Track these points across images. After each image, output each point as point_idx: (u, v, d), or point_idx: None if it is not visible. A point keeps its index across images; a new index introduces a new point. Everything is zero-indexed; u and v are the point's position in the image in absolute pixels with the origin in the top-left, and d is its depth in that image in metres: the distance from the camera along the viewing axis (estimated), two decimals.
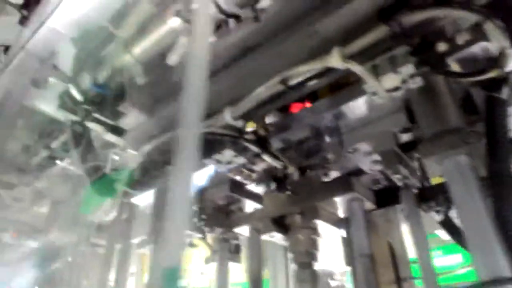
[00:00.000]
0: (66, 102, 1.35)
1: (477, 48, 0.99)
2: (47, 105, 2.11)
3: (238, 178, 1.62)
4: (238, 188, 1.68)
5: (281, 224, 1.40)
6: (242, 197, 1.69)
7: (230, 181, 1.66)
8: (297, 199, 1.40)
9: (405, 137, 1.31)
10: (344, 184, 1.35)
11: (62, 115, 1.54)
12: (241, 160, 1.33)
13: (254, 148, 1.22)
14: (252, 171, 1.57)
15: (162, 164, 1.37)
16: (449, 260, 6.85)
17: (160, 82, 1.24)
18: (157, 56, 1.15)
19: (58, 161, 2.67)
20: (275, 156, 1.30)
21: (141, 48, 1.13)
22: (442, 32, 0.90)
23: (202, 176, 1.79)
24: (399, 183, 1.34)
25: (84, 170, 1.55)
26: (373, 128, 1.27)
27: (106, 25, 1.39)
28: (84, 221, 5.58)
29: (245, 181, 1.63)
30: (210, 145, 1.28)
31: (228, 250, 1.79)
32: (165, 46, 1.10)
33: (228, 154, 1.29)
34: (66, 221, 5.14)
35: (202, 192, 1.78)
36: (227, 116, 1.15)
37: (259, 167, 1.54)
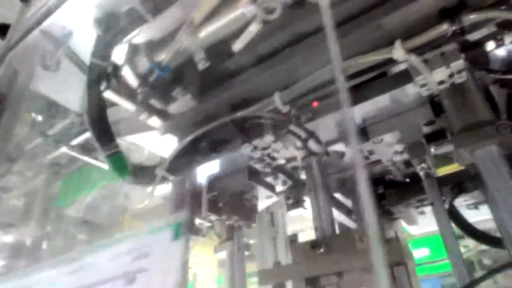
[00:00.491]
0: (114, 85, 1.31)
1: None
2: (52, 90, 2.04)
3: (257, 166, 1.65)
4: (255, 176, 1.72)
5: (315, 284, 1.27)
6: (260, 185, 1.72)
7: (248, 169, 1.69)
8: (333, 260, 1.27)
9: (426, 130, 1.41)
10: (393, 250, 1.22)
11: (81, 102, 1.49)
12: (278, 146, 1.36)
13: (302, 133, 1.25)
14: (274, 159, 1.60)
15: (205, 150, 1.37)
16: (417, 253, 7.34)
17: (213, 68, 1.24)
18: (218, 42, 1.16)
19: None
20: (319, 142, 1.33)
21: (206, 32, 1.13)
22: (494, 32, 0.98)
23: (215, 165, 1.80)
24: (421, 173, 1.43)
25: (105, 156, 1.52)
26: (399, 121, 1.35)
27: (137, 8, 1.37)
28: (59, 214, 5.35)
29: (264, 170, 1.67)
30: (248, 131, 1.31)
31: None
32: (229, 32, 1.11)
33: (268, 139, 1.32)
34: (41, 215, 4.92)
35: (216, 180, 1.79)
36: (277, 101, 1.18)
37: (281, 155, 1.58)
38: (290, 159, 1.64)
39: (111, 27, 1.52)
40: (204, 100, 1.31)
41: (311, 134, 1.28)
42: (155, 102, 1.32)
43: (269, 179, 1.76)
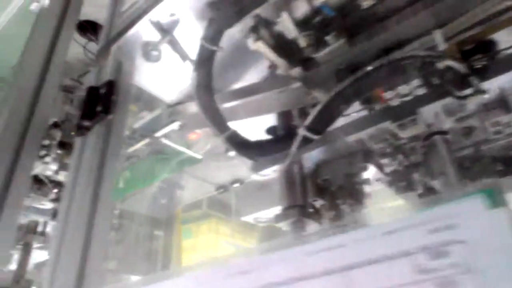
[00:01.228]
0: (263, 35, 1.26)
1: None
2: (147, 80, 2.03)
3: (376, 146, 1.58)
4: (370, 158, 1.65)
5: None
6: (375, 167, 1.66)
7: (363, 150, 1.63)
8: None
9: None
10: None
11: None
12: (418, 91, 1.28)
13: (461, 68, 1.10)
14: (398, 138, 1.53)
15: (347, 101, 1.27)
16: None
17: (369, 9, 1.17)
18: None
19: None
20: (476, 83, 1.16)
21: None
22: None
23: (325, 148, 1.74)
24: None
25: (223, 137, 1.52)
26: None
27: None
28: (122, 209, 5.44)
29: (383, 150, 1.60)
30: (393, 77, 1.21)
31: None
32: None
33: (414, 84, 1.24)
34: None
35: (326, 164, 1.74)
36: (438, 38, 1.08)
37: (407, 133, 1.50)
38: (413, 138, 1.55)
39: (226, 11, 1.48)
40: (353, 45, 1.22)
41: (471, 71, 1.12)
42: (299, 51, 1.27)
43: (383, 161, 1.68)
